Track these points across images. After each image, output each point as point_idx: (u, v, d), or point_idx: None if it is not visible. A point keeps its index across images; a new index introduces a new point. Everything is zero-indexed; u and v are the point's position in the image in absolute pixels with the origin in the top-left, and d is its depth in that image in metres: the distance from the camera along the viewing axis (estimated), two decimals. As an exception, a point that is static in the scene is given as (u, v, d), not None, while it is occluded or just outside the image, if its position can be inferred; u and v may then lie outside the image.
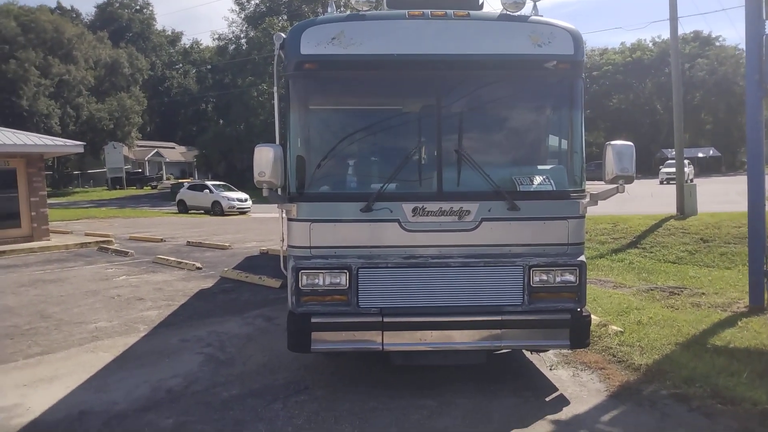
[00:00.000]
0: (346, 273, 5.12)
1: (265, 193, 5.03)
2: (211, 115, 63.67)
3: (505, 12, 5.21)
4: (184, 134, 72.36)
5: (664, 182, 37.23)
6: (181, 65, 77.18)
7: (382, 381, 5.75)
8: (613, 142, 5.06)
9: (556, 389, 5.51)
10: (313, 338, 5.15)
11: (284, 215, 5.52)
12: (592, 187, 5.46)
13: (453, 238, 5.16)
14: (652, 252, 14.50)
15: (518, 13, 5.21)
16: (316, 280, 5.15)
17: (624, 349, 6.37)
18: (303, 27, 5.19)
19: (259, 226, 23.48)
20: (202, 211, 31.23)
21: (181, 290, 10.71)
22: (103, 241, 17.55)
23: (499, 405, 5.16)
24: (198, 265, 13.14)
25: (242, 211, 30.35)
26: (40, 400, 5.50)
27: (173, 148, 73.27)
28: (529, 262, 5.19)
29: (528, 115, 5.68)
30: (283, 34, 5.63)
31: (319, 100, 5.39)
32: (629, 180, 5.02)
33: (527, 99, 5.50)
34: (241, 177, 44.06)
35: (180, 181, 49.67)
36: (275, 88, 5.48)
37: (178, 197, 33.43)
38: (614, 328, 7.18)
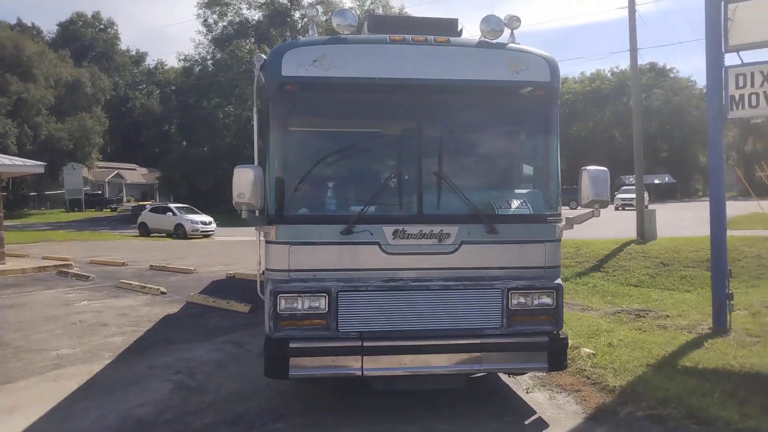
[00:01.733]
0: (325, 297, 5.06)
1: (244, 215, 4.96)
2: (174, 136, 62.75)
3: (483, 39, 5.32)
4: (146, 155, 71.02)
5: (620, 208, 38.21)
6: (144, 86, 76.09)
7: (360, 407, 5.66)
8: (588, 168, 5.18)
9: (535, 412, 5.52)
10: (291, 364, 5.04)
11: (262, 238, 5.44)
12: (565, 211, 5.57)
13: (433, 261, 5.17)
14: (614, 275, 14.82)
15: (496, 40, 5.32)
16: (295, 304, 5.07)
17: (597, 371, 6.44)
18: (284, 48, 5.20)
19: (225, 250, 23.13)
20: (165, 234, 30.58)
21: (146, 316, 10.41)
22: (62, 265, 16.99)
23: (480, 430, 5.14)
24: (163, 289, 12.81)
25: (206, 235, 29.85)
26: (-1, 433, 5.24)
27: (134, 169, 71.84)
28: (507, 285, 5.23)
29: (505, 140, 5.78)
30: (264, 55, 5.63)
31: (299, 122, 5.37)
32: (604, 204, 5.15)
33: (504, 124, 5.60)
34: (206, 199, 43.49)
35: (141, 203, 48.60)
36: (254, 110, 5.44)
37: (139, 220, 32.69)
38: (586, 350, 7.26)
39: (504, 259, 5.25)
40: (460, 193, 5.14)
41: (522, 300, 5.25)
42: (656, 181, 58.70)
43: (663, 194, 59.07)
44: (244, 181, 4.78)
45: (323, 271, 5.10)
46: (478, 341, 5.17)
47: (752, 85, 8.07)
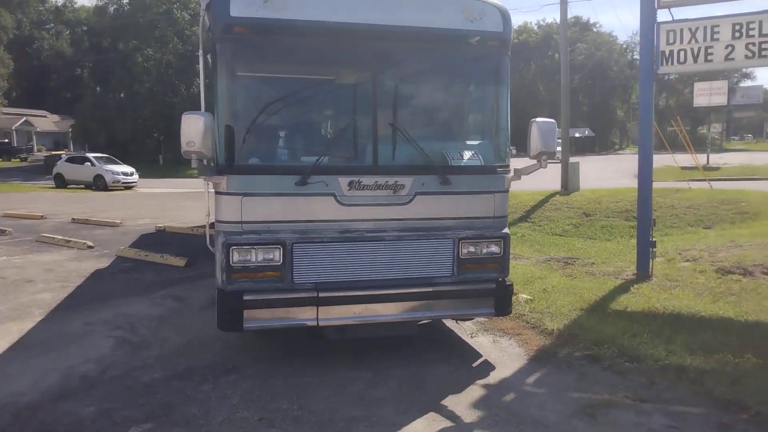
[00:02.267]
0: (279, 248, 5.01)
1: (194, 164, 4.77)
2: (87, 81, 58.66)
3: None
4: (57, 102, 66.17)
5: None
6: (53, 25, 70.23)
7: (313, 357, 5.72)
8: (537, 120, 5.30)
9: (481, 356, 5.78)
10: (246, 316, 5.00)
11: (211, 189, 5.27)
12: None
13: (388, 212, 5.20)
14: (541, 225, 15.49)
15: None
16: (248, 257, 4.99)
17: (535, 316, 6.79)
18: None
19: (150, 202, 22.25)
20: (83, 186, 28.99)
21: (74, 271, 9.94)
22: (-28, 219, 15.83)
23: (431, 373, 5.33)
24: (89, 243, 12.22)
25: (128, 186, 28.56)
26: (-70, 396, 4.94)
27: (45, 116, 66.92)
28: (458, 234, 5.35)
29: (457, 91, 5.80)
30: None
31: (249, 67, 5.15)
32: (552, 156, 5.30)
33: (457, 74, 5.60)
34: (124, 149, 41.37)
35: (55, 153, 45.56)
36: (200, 52, 5.16)
37: (55, 170, 30.76)
38: (524, 296, 7.62)
39: (456, 210, 5.35)
40: (415, 144, 5.15)
41: (472, 249, 5.40)
42: (577, 135, 61.01)
43: (583, 147, 61.60)
44: (193, 128, 4.57)
45: (277, 223, 5.03)
46: (430, 289, 5.30)
47: (681, 42, 8.44)
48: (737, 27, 8.18)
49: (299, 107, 5.29)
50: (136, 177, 28.98)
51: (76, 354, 5.96)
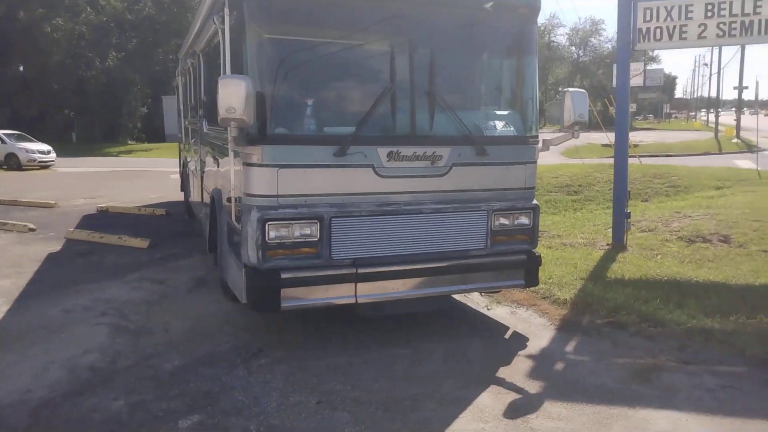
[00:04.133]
0: (317, 223, 4.72)
1: (233, 132, 4.36)
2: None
3: None
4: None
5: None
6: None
7: (339, 336, 5.48)
8: (571, 89, 5.28)
9: (507, 327, 5.75)
10: (283, 296, 4.69)
11: (234, 160, 4.85)
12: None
13: (425, 184, 5.02)
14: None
15: None
16: (285, 232, 4.67)
17: (544, 287, 6.83)
18: None
19: (75, 182, 20.67)
20: (-9, 165, 26.45)
21: (24, 255, 9.04)
22: None
23: (468, 346, 5.24)
24: (31, 226, 11.16)
25: (45, 165, 26.33)
26: None
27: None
28: (492, 206, 5.27)
29: (490, 59, 5.67)
30: None
31: (281, 29, 4.73)
32: (584, 125, 5.31)
33: (490, 42, 5.45)
34: (30, 126, 38.04)
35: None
36: (226, 18, 4.67)
37: (-43, 149, 27.81)
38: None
39: (490, 181, 5.25)
40: (454, 113, 4.99)
41: (504, 221, 5.33)
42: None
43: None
44: (233, 93, 4.16)
45: (314, 196, 4.73)
46: (465, 262, 5.20)
47: (657, 20, 8.70)
48: (710, 7, 8.52)
49: (334, 74, 4.97)
50: (53, 155, 26.76)
51: (69, 344, 5.40)
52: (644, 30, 8.76)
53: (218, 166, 6.24)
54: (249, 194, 4.71)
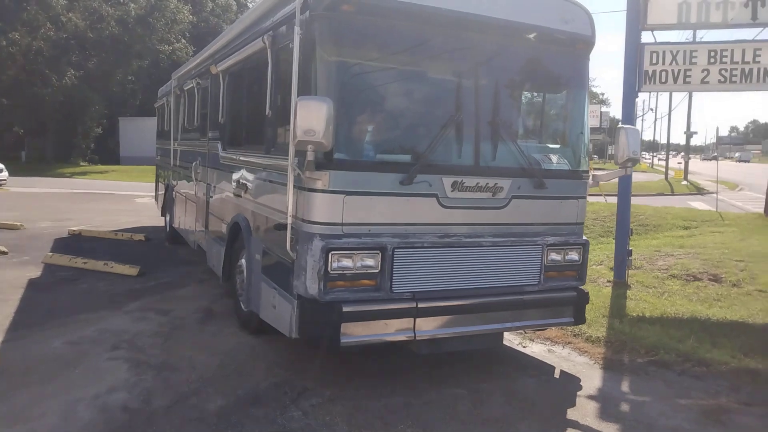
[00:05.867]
0: (379, 254, 4.50)
1: (310, 156, 4.11)
2: None
3: None
4: None
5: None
6: None
7: (384, 376, 5.20)
8: (625, 126, 5.30)
9: (553, 367, 5.61)
10: (343, 331, 4.42)
11: (292, 186, 4.57)
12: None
13: (485, 216, 4.90)
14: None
15: None
16: (347, 263, 4.42)
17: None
18: None
19: (34, 203, 19.58)
20: (-64, 184, 24.84)
21: (2, 281, 8.36)
22: None
23: (523, 386, 5.06)
24: (2, 248, 10.40)
25: (-4, 185, 24.96)
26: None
27: None
28: (546, 241, 5.18)
29: (551, 93, 5.65)
30: None
31: (352, 52, 4.55)
32: (635, 162, 5.32)
33: (551, 77, 5.43)
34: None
35: None
36: (296, 38, 4.45)
37: None
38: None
39: (545, 215, 5.18)
40: (516, 145, 4.92)
41: (556, 256, 5.25)
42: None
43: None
44: (314, 115, 3.93)
45: (378, 226, 4.52)
46: (520, 298, 5.07)
47: (663, 63, 8.99)
48: (712, 53, 8.87)
49: (400, 100, 4.83)
50: (5, 174, 25.36)
51: (89, 381, 4.93)
52: (650, 72, 9.01)
53: (248, 193, 5.93)
54: (310, 221, 4.45)
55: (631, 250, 9.42)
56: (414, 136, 4.81)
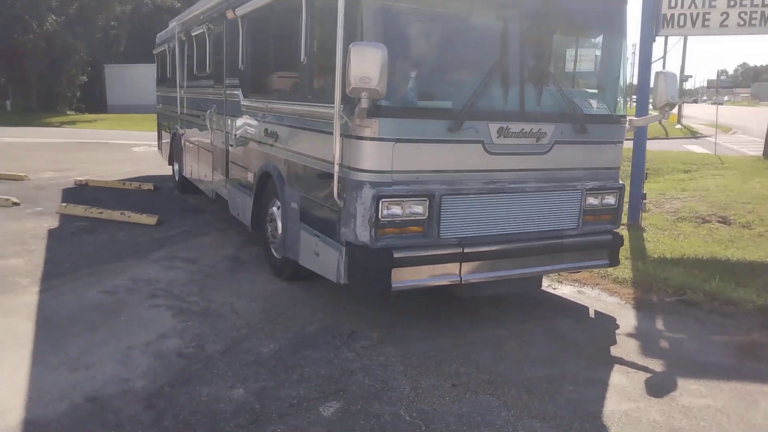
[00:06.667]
0: (426, 201, 4.54)
1: (364, 104, 4.07)
2: None
3: None
4: None
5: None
6: None
7: (423, 317, 5.34)
8: (664, 71, 5.28)
9: (586, 307, 5.77)
10: (394, 276, 4.51)
11: (338, 133, 4.53)
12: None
13: (529, 162, 4.93)
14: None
15: None
16: (396, 210, 4.47)
17: (595, 266, 6.90)
18: None
19: (30, 153, 19.27)
20: None
21: (23, 232, 8.34)
22: None
23: (562, 326, 5.22)
24: (14, 199, 10.31)
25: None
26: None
27: None
28: (586, 185, 5.24)
29: (591, 38, 5.60)
30: None
31: None
32: (673, 107, 5.34)
33: (590, 23, 5.38)
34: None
35: None
36: None
37: None
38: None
39: (585, 160, 5.21)
40: (560, 90, 4.90)
41: (594, 201, 5.32)
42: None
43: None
44: (369, 61, 3.87)
45: (426, 173, 4.54)
46: (560, 241, 5.17)
47: (682, 6, 8.86)
48: (733, -6, 8.77)
49: (446, 47, 4.77)
50: (-6, 125, 24.86)
51: (137, 329, 5.00)
52: (668, 16, 8.89)
53: (279, 141, 5.88)
54: (360, 169, 4.45)
55: (645, 193, 9.52)
56: (460, 83, 4.77)
